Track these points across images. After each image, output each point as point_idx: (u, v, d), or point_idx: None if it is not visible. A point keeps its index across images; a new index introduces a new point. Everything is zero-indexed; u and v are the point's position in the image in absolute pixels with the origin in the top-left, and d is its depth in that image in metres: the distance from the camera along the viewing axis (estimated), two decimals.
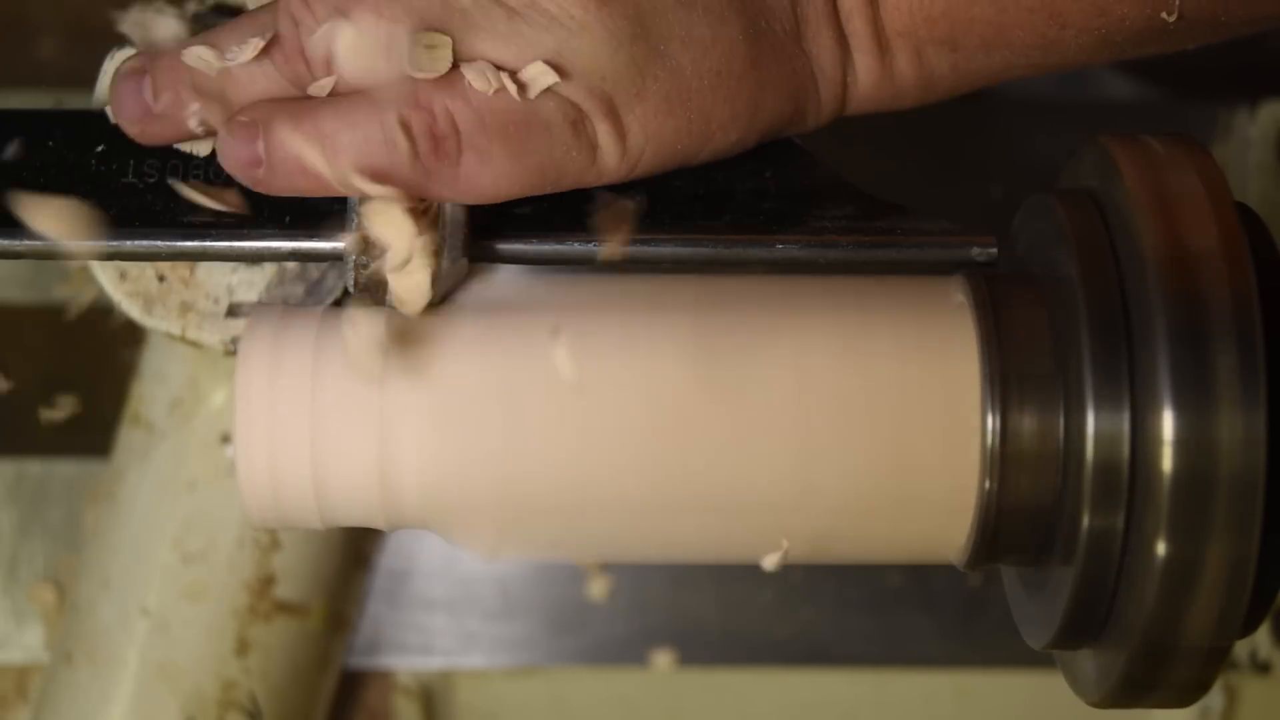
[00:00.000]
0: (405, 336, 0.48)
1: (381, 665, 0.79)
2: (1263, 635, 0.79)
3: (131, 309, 0.56)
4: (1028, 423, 0.47)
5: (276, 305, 0.55)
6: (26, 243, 0.50)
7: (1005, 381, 0.47)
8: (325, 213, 0.50)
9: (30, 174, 0.51)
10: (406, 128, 0.47)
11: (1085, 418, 0.45)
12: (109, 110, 0.51)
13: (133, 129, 0.51)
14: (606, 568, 0.80)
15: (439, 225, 0.48)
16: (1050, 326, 0.47)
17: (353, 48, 0.47)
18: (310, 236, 0.51)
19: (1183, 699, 0.47)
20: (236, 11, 0.56)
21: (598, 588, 0.80)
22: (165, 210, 0.51)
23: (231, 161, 0.49)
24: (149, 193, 0.51)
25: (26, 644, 0.78)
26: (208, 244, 0.51)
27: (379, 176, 0.47)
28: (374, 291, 0.49)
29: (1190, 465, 0.43)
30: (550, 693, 0.80)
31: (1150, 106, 0.86)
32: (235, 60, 0.49)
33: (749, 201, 0.52)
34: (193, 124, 0.50)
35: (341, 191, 0.48)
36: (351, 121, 0.47)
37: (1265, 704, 0.80)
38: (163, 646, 0.66)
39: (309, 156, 0.47)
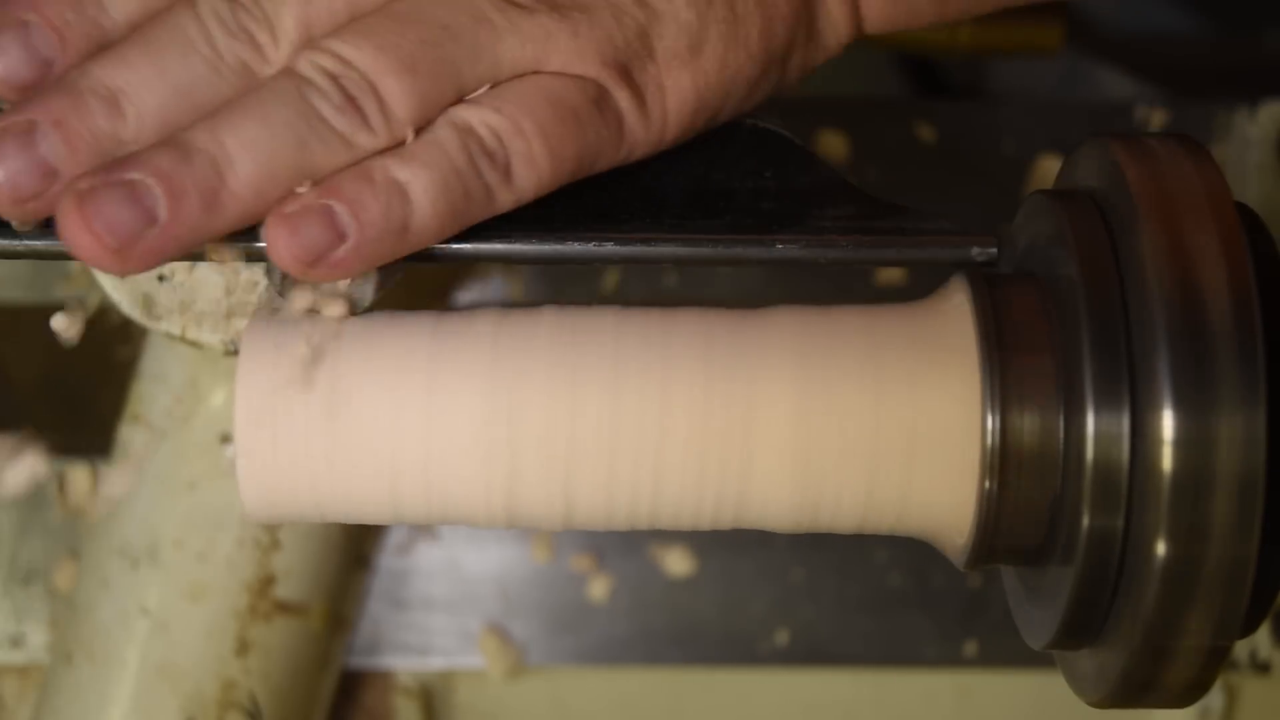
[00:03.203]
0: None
1: (381, 665, 0.79)
2: (1263, 635, 0.79)
3: (131, 309, 0.56)
4: (1028, 423, 0.47)
5: (277, 306, 0.55)
6: (26, 243, 0.50)
7: (1005, 381, 0.47)
8: None
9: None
10: (467, 154, 0.47)
11: (1085, 418, 0.45)
12: None
13: (14, 210, 0.47)
14: (608, 568, 0.80)
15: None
16: (1050, 327, 0.47)
17: (403, 103, 0.47)
18: None
19: (1183, 699, 0.47)
20: None
21: (598, 588, 0.80)
22: None
23: (302, 251, 0.46)
24: None
25: (27, 644, 0.78)
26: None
27: (456, 213, 0.47)
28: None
29: (1190, 465, 0.43)
30: (550, 693, 0.80)
31: (1150, 106, 0.86)
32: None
33: (749, 201, 0.52)
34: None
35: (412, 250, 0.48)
36: (424, 163, 0.47)
37: (1265, 704, 0.80)
38: (163, 646, 0.66)
39: (397, 213, 0.46)
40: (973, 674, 0.80)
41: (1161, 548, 0.44)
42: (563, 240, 0.51)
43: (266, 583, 0.67)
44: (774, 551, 0.80)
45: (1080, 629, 0.47)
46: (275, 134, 0.46)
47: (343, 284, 0.48)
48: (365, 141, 0.47)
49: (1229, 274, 0.44)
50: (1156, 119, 0.85)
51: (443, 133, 0.47)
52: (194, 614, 0.66)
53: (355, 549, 0.73)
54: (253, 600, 0.66)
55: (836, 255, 0.51)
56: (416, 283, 0.75)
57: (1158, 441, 0.43)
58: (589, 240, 0.51)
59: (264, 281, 0.53)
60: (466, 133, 0.47)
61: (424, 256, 0.49)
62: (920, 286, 0.80)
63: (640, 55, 0.49)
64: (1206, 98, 0.86)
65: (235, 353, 0.55)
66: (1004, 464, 0.47)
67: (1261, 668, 0.79)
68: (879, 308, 0.50)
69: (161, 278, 0.56)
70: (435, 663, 0.79)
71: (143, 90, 0.47)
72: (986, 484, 0.47)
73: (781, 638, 0.80)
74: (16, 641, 0.78)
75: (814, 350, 0.48)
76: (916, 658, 0.80)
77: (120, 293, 0.56)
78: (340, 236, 0.46)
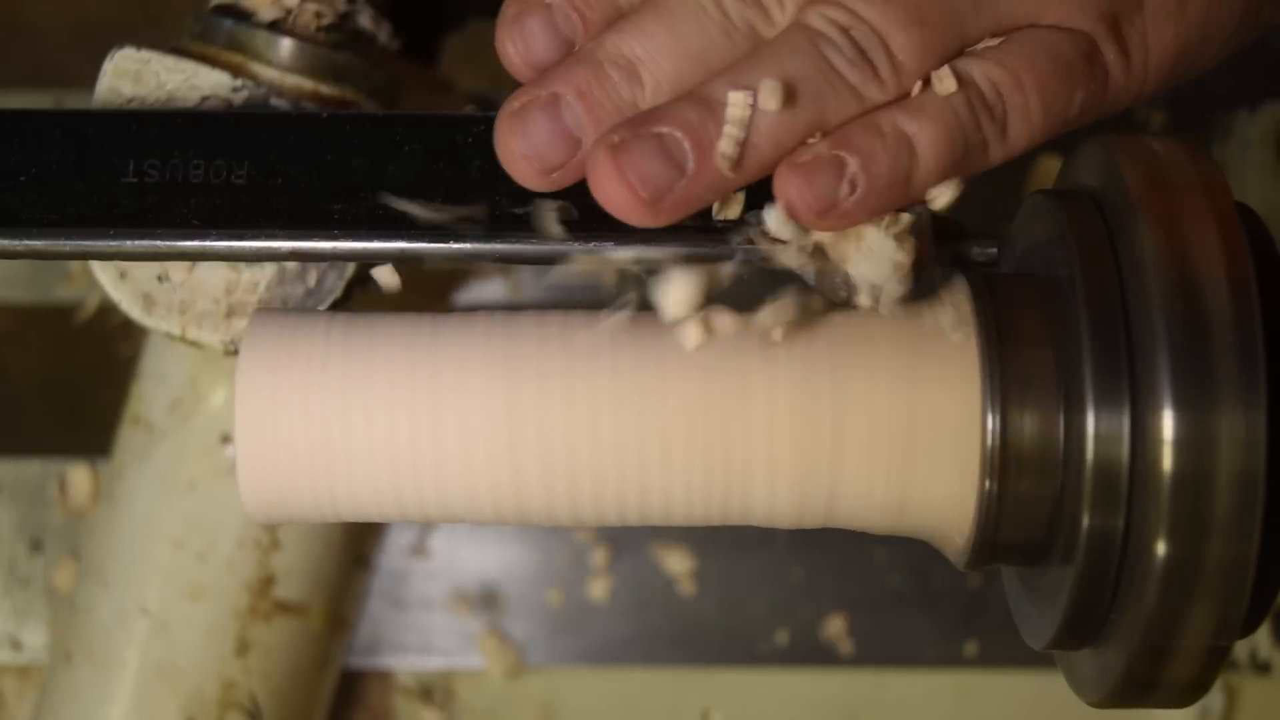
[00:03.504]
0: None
1: (381, 665, 0.79)
2: (1263, 635, 0.79)
3: (131, 309, 0.56)
4: (1028, 423, 0.47)
5: (277, 306, 0.55)
6: (26, 243, 0.50)
7: (1005, 381, 0.47)
8: (325, 213, 0.50)
9: (31, 174, 0.51)
10: (970, 107, 0.47)
11: (1085, 418, 0.45)
12: (502, 155, 0.48)
13: (540, 180, 0.48)
14: (607, 568, 0.80)
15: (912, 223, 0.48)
16: (1050, 326, 0.47)
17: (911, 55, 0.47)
18: (310, 236, 0.51)
19: (1183, 699, 0.47)
20: (242, 12, 0.56)
21: (598, 588, 0.80)
22: (165, 210, 0.51)
23: (815, 200, 0.47)
24: (149, 193, 0.51)
25: (27, 644, 0.78)
26: (208, 244, 0.51)
27: (956, 166, 0.47)
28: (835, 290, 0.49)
29: (1190, 465, 0.43)
30: (550, 693, 0.80)
31: (1150, 106, 0.85)
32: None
33: (748, 201, 0.52)
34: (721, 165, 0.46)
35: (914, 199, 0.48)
36: (930, 115, 0.47)
37: (1265, 704, 0.80)
38: (163, 646, 0.66)
39: (903, 165, 0.47)
40: (973, 674, 0.80)
41: (1161, 547, 0.44)
42: (562, 240, 0.51)
43: (266, 583, 0.67)
44: (774, 551, 0.80)
45: (1080, 629, 0.47)
46: (793, 88, 0.47)
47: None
48: (875, 94, 0.47)
49: (1229, 274, 0.44)
50: (1156, 119, 0.85)
51: (947, 85, 0.48)
52: (194, 614, 0.66)
53: (355, 549, 0.73)
54: (253, 600, 0.66)
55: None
56: (416, 283, 0.75)
57: (1158, 441, 0.43)
58: (589, 240, 0.51)
59: (264, 281, 0.53)
60: (969, 85, 0.48)
61: (424, 257, 0.49)
62: (920, 286, 0.80)
63: (1130, 7, 0.49)
64: (1206, 98, 0.86)
65: (235, 352, 0.55)
66: (1004, 463, 0.47)
67: (1261, 668, 0.79)
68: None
69: (161, 278, 0.56)
70: (435, 663, 0.79)
71: (659, 58, 0.47)
72: (986, 483, 0.47)
73: (781, 638, 0.80)
74: (16, 642, 0.78)
75: (814, 350, 0.48)
76: (916, 658, 0.80)
77: (120, 292, 0.56)
78: (851, 187, 0.47)
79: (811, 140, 0.47)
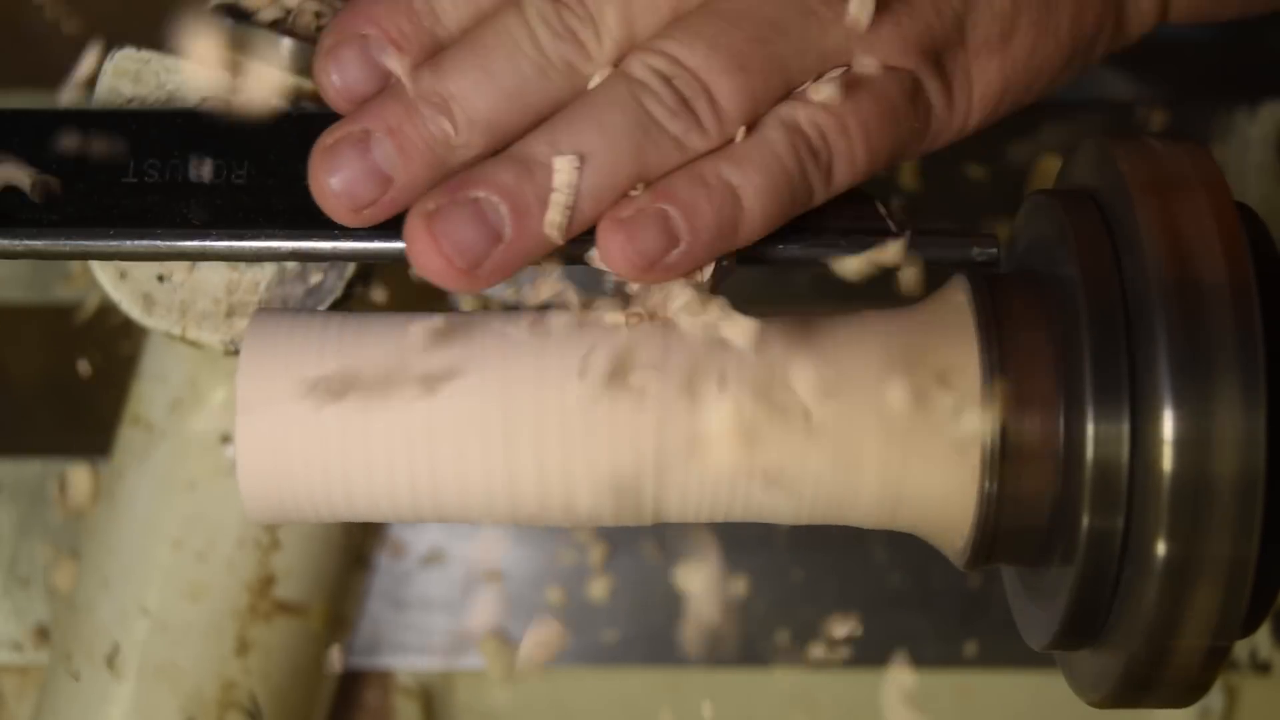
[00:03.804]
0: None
1: (381, 665, 0.79)
2: (1263, 635, 0.79)
3: (131, 309, 0.56)
4: (1028, 423, 0.47)
5: (277, 306, 0.55)
6: (26, 243, 0.50)
7: (1005, 381, 0.47)
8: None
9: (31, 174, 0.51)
10: (796, 155, 0.47)
11: (1085, 418, 0.45)
12: (314, 191, 0.48)
13: (351, 217, 0.48)
14: (608, 568, 0.80)
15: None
16: (1050, 326, 0.47)
17: (735, 102, 0.47)
18: (310, 236, 0.51)
19: (1183, 699, 0.47)
20: (242, 12, 0.56)
21: (598, 587, 0.80)
22: (165, 210, 0.51)
23: (638, 256, 0.46)
24: (149, 193, 0.51)
25: (26, 645, 0.78)
26: (208, 244, 0.51)
27: (783, 214, 0.47)
28: None
29: (1190, 465, 0.43)
30: (550, 693, 0.80)
31: (1150, 106, 0.85)
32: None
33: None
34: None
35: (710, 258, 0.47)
36: (755, 165, 0.47)
37: (1265, 704, 0.80)
38: (163, 646, 0.66)
39: (729, 216, 0.46)
40: (973, 674, 0.80)
41: (1161, 548, 0.44)
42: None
43: (266, 583, 0.66)
44: (774, 551, 0.80)
45: (1080, 629, 0.47)
46: (613, 142, 0.46)
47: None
48: (698, 143, 0.47)
49: (1229, 274, 0.44)
50: (1156, 119, 0.85)
51: (773, 134, 0.47)
52: (194, 614, 0.66)
53: (355, 549, 0.73)
54: (253, 600, 0.66)
55: (836, 255, 0.51)
56: (416, 282, 0.75)
57: (1158, 441, 0.43)
58: (588, 240, 0.51)
59: (264, 281, 0.53)
60: (795, 133, 0.47)
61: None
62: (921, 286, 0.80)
63: (953, 43, 0.49)
64: (1206, 98, 0.86)
65: (235, 353, 0.55)
66: (1004, 464, 0.47)
67: (1261, 668, 0.79)
68: (879, 308, 0.50)
69: (161, 278, 0.56)
70: (435, 663, 0.79)
71: (473, 95, 0.47)
72: (986, 484, 0.47)
73: (782, 638, 0.80)
74: (16, 643, 0.78)
75: (813, 350, 0.48)
76: (916, 658, 0.80)
77: (120, 292, 0.56)
78: (674, 241, 0.46)
79: (634, 192, 0.47)
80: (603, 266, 0.47)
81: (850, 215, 0.52)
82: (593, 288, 0.50)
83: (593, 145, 0.46)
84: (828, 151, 0.47)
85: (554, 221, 0.46)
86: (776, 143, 0.47)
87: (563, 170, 0.46)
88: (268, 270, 0.55)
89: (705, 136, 0.47)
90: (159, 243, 0.51)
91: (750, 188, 0.47)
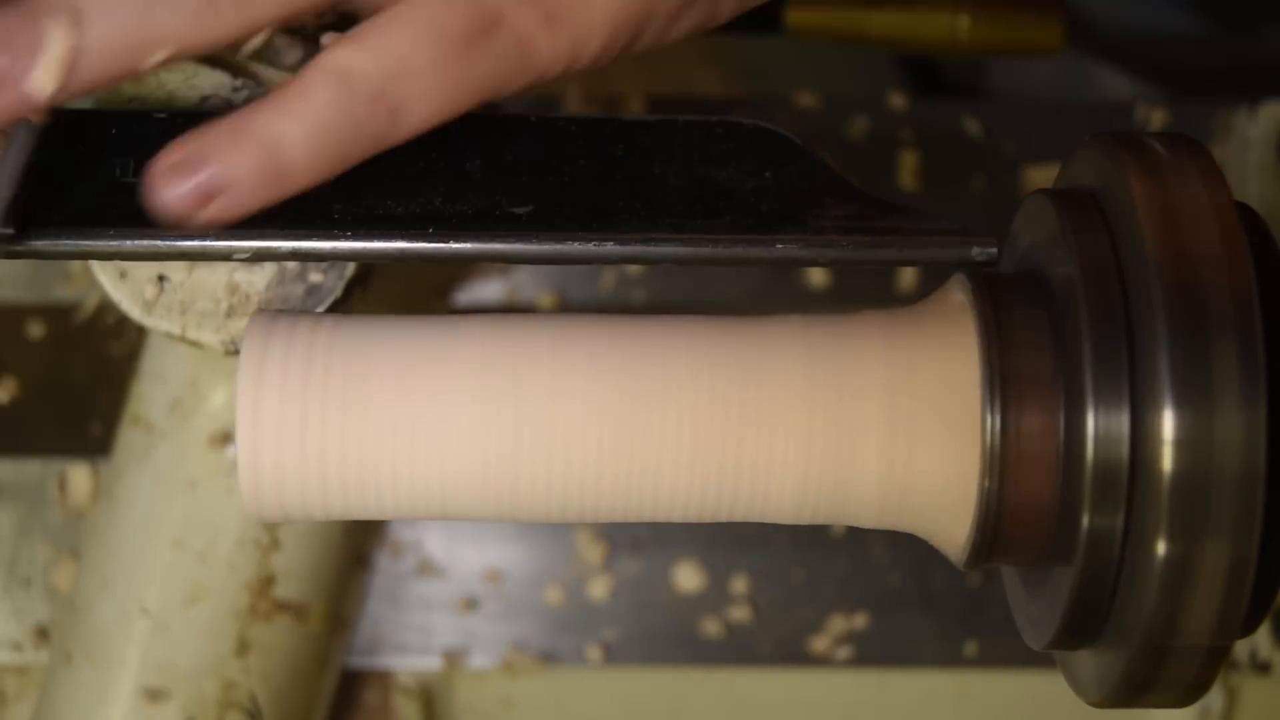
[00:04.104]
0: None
1: (381, 665, 0.79)
2: (1263, 635, 0.79)
3: (131, 309, 0.56)
4: (1028, 423, 0.47)
5: (277, 306, 0.55)
6: (27, 243, 0.50)
7: (1005, 381, 0.47)
8: (325, 213, 0.50)
9: (32, 174, 0.51)
10: (348, 103, 0.46)
11: (1085, 417, 0.45)
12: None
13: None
14: (608, 568, 0.80)
15: None
16: (1050, 326, 0.47)
17: None
18: (310, 236, 0.51)
19: (1183, 699, 0.47)
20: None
21: (598, 587, 0.80)
22: None
23: (182, 202, 0.47)
24: None
25: (26, 645, 0.78)
26: (208, 244, 0.51)
27: (342, 160, 0.47)
28: None
29: (1190, 465, 0.43)
30: (550, 693, 0.80)
31: (1150, 106, 0.86)
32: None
33: (749, 201, 0.52)
34: None
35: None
36: (299, 115, 0.46)
37: (1265, 704, 0.80)
38: (163, 646, 0.66)
39: (272, 168, 0.47)
40: (973, 674, 0.80)
41: (1161, 547, 0.44)
42: (562, 240, 0.51)
43: (266, 583, 0.67)
44: (774, 551, 0.80)
45: (1080, 629, 0.47)
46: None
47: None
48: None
49: (1229, 273, 0.44)
50: (1156, 119, 0.85)
51: (317, 78, 0.46)
52: (194, 614, 0.66)
53: (355, 549, 0.73)
54: (253, 600, 0.66)
55: (836, 255, 0.51)
56: (416, 283, 0.75)
57: (1158, 441, 0.43)
58: (589, 240, 0.51)
59: (264, 281, 0.53)
60: (345, 79, 0.46)
61: (424, 258, 0.49)
62: (920, 286, 0.81)
63: None
64: (1206, 98, 0.86)
65: (235, 353, 0.55)
66: (1004, 463, 0.47)
67: (1261, 668, 0.79)
68: (879, 308, 0.50)
69: (162, 278, 0.56)
70: (435, 663, 0.79)
71: None
72: (986, 483, 0.47)
73: (782, 638, 0.80)
74: (16, 643, 0.78)
75: (813, 350, 0.48)
76: (916, 658, 0.80)
77: (120, 292, 0.56)
78: (217, 189, 0.47)
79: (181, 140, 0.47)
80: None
81: (850, 214, 0.52)
82: (581, 285, 0.50)
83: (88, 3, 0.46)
84: (390, 94, 0.47)
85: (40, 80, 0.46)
86: (324, 92, 0.46)
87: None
88: (268, 270, 0.55)
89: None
90: (159, 243, 0.51)
91: (295, 135, 0.46)
